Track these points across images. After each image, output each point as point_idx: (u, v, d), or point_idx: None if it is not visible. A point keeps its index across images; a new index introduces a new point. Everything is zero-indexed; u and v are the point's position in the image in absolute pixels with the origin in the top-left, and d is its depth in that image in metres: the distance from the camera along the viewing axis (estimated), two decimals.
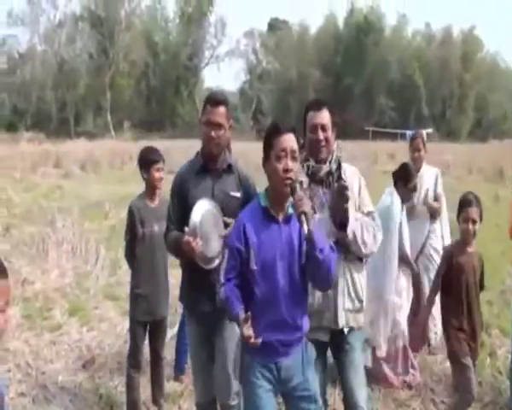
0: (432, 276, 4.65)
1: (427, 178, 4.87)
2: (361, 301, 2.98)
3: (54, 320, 5.60)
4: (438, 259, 4.68)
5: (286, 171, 2.43)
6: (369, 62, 58.21)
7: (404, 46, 63.58)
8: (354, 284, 2.95)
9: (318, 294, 2.86)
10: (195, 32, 55.55)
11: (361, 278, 3.00)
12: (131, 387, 3.80)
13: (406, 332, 4.30)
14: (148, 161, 3.72)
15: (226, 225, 2.97)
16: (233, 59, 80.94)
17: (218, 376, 3.10)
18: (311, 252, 2.38)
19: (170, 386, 4.24)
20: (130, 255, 3.77)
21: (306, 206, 2.36)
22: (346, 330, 2.94)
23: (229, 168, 3.10)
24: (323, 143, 2.95)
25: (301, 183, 2.71)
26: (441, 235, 4.98)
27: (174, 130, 50.23)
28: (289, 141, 2.48)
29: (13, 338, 5.08)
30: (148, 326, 3.83)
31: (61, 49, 52.06)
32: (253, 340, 2.32)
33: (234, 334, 3.06)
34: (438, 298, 4.68)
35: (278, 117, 57.52)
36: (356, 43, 59.32)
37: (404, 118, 54.24)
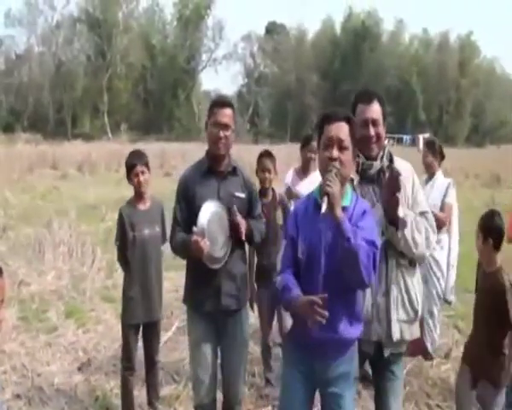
0: (431, 288, 4.63)
1: (438, 185, 4.76)
2: (416, 312, 2.73)
3: (50, 322, 5.58)
4: (438, 271, 4.65)
5: (330, 159, 2.35)
6: (366, 67, 58.45)
7: (402, 51, 63.91)
8: (408, 291, 2.71)
9: (367, 303, 2.64)
10: (193, 35, 55.69)
11: (415, 286, 2.75)
12: (126, 389, 3.78)
13: None
14: (127, 165, 3.70)
15: (232, 226, 3.05)
16: (230, 62, 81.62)
17: (226, 375, 3.18)
18: (338, 238, 2.26)
19: (166, 389, 4.23)
20: (123, 260, 3.74)
21: (333, 188, 2.25)
22: (386, 352, 2.71)
23: (234, 171, 3.17)
24: (375, 140, 2.71)
25: (352, 180, 2.62)
26: (448, 247, 4.84)
27: (171, 132, 50.30)
28: (338, 130, 2.39)
29: (9, 340, 5.07)
30: (140, 329, 3.79)
31: (59, 50, 52.14)
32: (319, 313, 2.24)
33: (240, 333, 3.17)
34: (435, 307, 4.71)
35: (275, 120, 57.79)
36: (353, 48, 59.60)
37: (402, 123, 54.41)
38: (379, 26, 62.22)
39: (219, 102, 3.12)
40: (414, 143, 41.55)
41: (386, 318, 2.68)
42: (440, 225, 4.63)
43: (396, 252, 2.68)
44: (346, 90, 57.26)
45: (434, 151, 4.79)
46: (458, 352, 5.06)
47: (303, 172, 4.82)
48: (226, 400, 3.26)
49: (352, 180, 2.66)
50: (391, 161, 2.77)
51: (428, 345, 4.68)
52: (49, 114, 48.56)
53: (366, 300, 2.64)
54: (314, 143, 4.44)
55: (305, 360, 2.50)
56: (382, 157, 2.75)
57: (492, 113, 66.78)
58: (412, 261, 2.75)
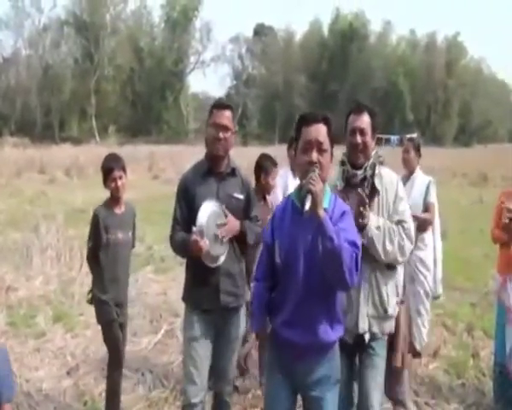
0: (417, 287, 4.65)
1: (418, 184, 4.76)
2: (385, 311, 2.89)
3: (38, 327, 5.54)
4: (424, 270, 4.66)
5: (310, 163, 2.35)
6: (353, 68, 58.72)
7: (389, 52, 64.28)
8: (379, 291, 2.88)
9: (343, 295, 2.77)
10: (181, 37, 55.60)
11: (388, 287, 2.91)
12: (116, 392, 3.71)
13: None
14: (104, 169, 3.63)
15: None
16: (219, 64, 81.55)
17: (221, 364, 3.27)
18: (321, 239, 2.24)
19: (154, 393, 4.22)
20: (93, 261, 3.69)
21: (316, 187, 2.25)
22: (366, 336, 2.89)
23: (233, 172, 3.23)
24: (361, 147, 2.90)
25: (336, 186, 2.84)
26: (433, 246, 4.86)
27: (159, 135, 50.17)
28: (316, 132, 2.38)
29: None
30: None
31: (46, 53, 51.83)
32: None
33: (236, 330, 3.26)
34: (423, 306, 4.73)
35: (264, 122, 57.86)
36: (341, 49, 59.87)
37: (389, 123, 54.69)
38: (366, 27, 62.55)
39: (218, 104, 3.18)
40: (402, 143, 41.77)
41: (356, 311, 2.86)
42: (426, 225, 4.65)
43: (370, 253, 2.83)
44: (334, 91, 57.65)
45: (416, 147, 4.81)
46: (446, 350, 5.12)
47: (293, 171, 4.83)
48: (217, 393, 3.37)
49: (335, 186, 2.88)
50: (373, 172, 2.93)
51: (416, 344, 4.70)
52: (37, 118, 48.22)
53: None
54: None
55: (287, 364, 2.50)
56: (366, 167, 2.92)
57: (479, 112, 67.39)
58: (390, 265, 2.92)
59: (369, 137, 2.92)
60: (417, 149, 4.81)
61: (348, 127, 2.94)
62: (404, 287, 4.58)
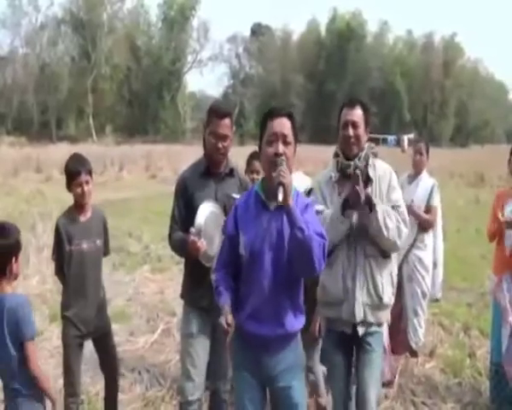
0: (415, 287, 4.66)
1: (422, 185, 4.77)
2: (380, 299, 2.94)
3: None
4: (422, 270, 4.67)
5: (276, 155, 2.38)
6: (350, 68, 58.77)
7: (386, 53, 64.34)
8: (374, 279, 2.93)
9: (338, 285, 2.91)
10: (178, 36, 55.53)
11: (383, 276, 2.96)
12: None
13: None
14: (68, 173, 3.34)
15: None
16: (216, 63, 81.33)
17: (218, 362, 3.30)
18: (290, 229, 2.29)
19: (151, 392, 4.22)
20: (60, 274, 3.44)
21: (287, 179, 2.28)
22: (361, 329, 2.94)
23: (231, 172, 3.26)
24: (353, 140, 2.97)
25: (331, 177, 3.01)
26: (433, 246, 4.87)
27: (156, 134, 50.11)
28: (281, 125, 2.42)
29: None
30: (83, 347, 3.49)
31: (43, 52, 51.69)
32: (225, 331, 2.34)
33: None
34: (421, 306, 4.74)
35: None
36: (338, 49, 59.90)
37: (386, 123, 54.77)
38: (363, 27, 62.59)
39: (218, 113, 3.13)
40: (398, 143, 41.72)
41: (352, 300, 2.93)
42: (427, 226, 4.67)
43: (363, 241, 2.92)
44: (331, 91, 57.66)
45: (426, 149, 4.84)
46: (443, 349, 5.13)
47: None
48: (214, 390, 3.39)
49: (330, 177, 3.04)
50: (367, 162, 3.00)
51: (413, 344, 4.71)
52: (34, 117, 48.10)
53: (338, 282, 2.93)
54: None
55: (252, 358, 2.51)
56: (360, 158, 2.98)
57: (476, 113, 67.55)
58: (384, 253, 2.96)
59: (361, 130, 2.98)
60: (427, 151, 4.84)
61: (341, 120, 3.02)
62: (401, 287, 4.63)
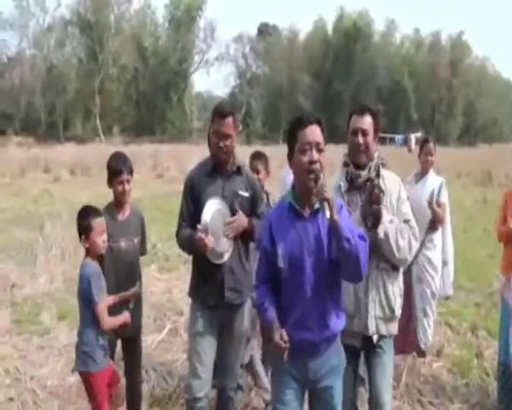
0: (425, 287, 4.65)
1: (429, 184, 4.76)
2: (392, 311, 2.94)
3: (43, 325, 5.56)
4: (431, 270, 4.66)
5: (311, 163, 2.39)
6: (357, 67, 58.59)
7: (393, 52, 64.09)
8: (386, 292, 2.92)
9: (350, 299, 2.86)
10: (185, 36, 55.58)
11: (395, 288, 2.96)
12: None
13: None
14: (111, 171, 3.40)
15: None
16: (222, 63, 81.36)
17: (226, 360, 3.32)
18: (337, 241, 2.32)
19: (158, 391, 4.23)
20: None
21: (329, 193, 2.32)
22: (375, 337, 2.93)
23: (238, 170, 3.28)
24: (363, 148, 2.94)
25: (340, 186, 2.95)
26: (442, 245, 4.85)
27: (163, 134, 50.19)
28: (314, 134, 2.44)
29: (1, 343, 5.06)
30: (115, 348, 3.49)
31: (51, 53, 51.87)
32: (283, 349, 2.36)
33: (240, 327, 3.32)
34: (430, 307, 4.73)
35: (268, 121, 57.82)
36: (345, 48, 59.73)
37: (394, 122, 54.57)
38: (370, 26, 62.38)
39: (219, 112, 3.16)
40: (406, 142, 41.56)
41: (365, 313, 2.90)
42: (438, 221, 4.64)
43: (377, 255, 2.86)
44: (338, 90, 57.54)
45: (435, 149, 4.85)
46: (450, 349, 5.11)
47: None
48: (221, 388, 3.41)
49: (339, 186, 2.97)
50: (378, 173, 2.96)
51: (422, 344, 4.70)
52: (41, 117, 48.30)
53: (350, 295, 2.87)
54: None
55: (299, 364, 2.52)
56: (370, 168, 2.95)
57: (484, 112, 67.15)
58: (395, 266, 2.96)
59: (370, 138, 2.96)
60: (435, 151, 4.84)
61: (350, 128, 2.99)
62: (410, 287, 4.62)
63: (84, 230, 3.06)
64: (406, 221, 2.94)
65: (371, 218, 2.83)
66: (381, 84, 59.07)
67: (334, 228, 2.31)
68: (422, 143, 4.98)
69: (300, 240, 2.43)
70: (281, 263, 2.46)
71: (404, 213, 2.95)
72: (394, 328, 3.01)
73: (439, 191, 4.69)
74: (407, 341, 4.62)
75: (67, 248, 7.97)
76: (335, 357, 2.57)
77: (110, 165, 3.41)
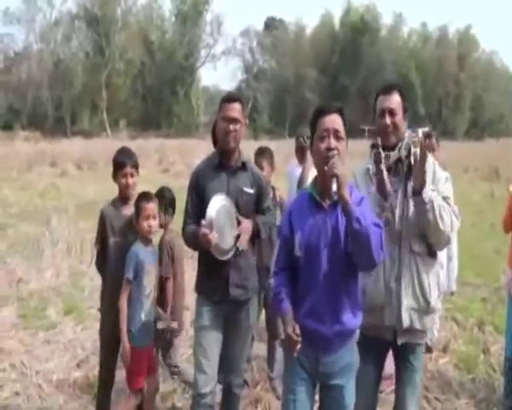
0: None
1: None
2: (428, 302, 2.72)
3: (49, 319, 5.58)
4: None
5: (328, 149, 2.37)
6: (365, 62, 58.30)
7: (400, 46, 63.71)
8: (421, 280, 2.70)
9: (380, 290, 2.69)
10: (191, 30, 55.48)
11: (430, 277, 2.73)
12: None
13: None
14: (115, 164, 3.42)
15: (239, 222, 3.14)
16: (229, 58, 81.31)
17: (228, 361, 3.31)
18: (348, 222, 2.27)
19: (163, 385, 4.21)
20: (101, 266, 3.48)
21: (340, 170, 2.27)
22: (400, 340, 2.74)
23: (244, 166, 3.25)
24: (391, 129, 2.77)
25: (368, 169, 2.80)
26: None
27: (170, 129, 50.20)
28: (332, 121, 2.42)
29: (7, 338, 5.08)
30: (119, 344, 3.45)
31: (57, 47, 51.96)
32: (294, 343, 2.36)
33: (246, 322, 3.30)
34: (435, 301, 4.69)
35: (274, 116, 57.71)
36: (352, 42, 59.44)
37: None
38: (377, 20, 62.04)
39: (227, 98, 3.19)
40: None
41: (397, 304, 2.70)
42: None
43: (411, 235, 2.69)
44: (345, 85, 57.32)
45: (438, 144, 4.80)
46: (457, 345, 5.09)
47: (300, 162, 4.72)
48: (226, 384, 3.39)
49: (367, 169, 2.82)
50: (409, 153, 2.76)
51: (428, 340, 4.67)
52: (48, 112, 48.44)
53: (379, 284, 2.69)
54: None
55: (310, 355, 2.50)
56: (400, 148, 2.77)
57: (491, 106, 66.67)
58: (431, 251, 2.73)
59: (399, 118, 2.78)
60: (438, 146, 4.81)
61: (377, 108, 2.83)
62: None
63: (136, 211, 3.27)
64: (445, 198, 2.73)
65: (415, 180, 2.62)
66: (387, 79, 58.66)
67: (344, 207, 2.27)
68: (424, 139, 4.92)
69: (318, 230, 2.41)
70: (297, 251, 2.46)
71: (441, 192, 2.74)
72: (429, 321, 2.80)
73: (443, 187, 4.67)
74: None
75: (74, 242, 8.01)
76: (349, 356, 2.51)
77: (115, 158, 3.46)
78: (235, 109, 3.13)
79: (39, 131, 40.60)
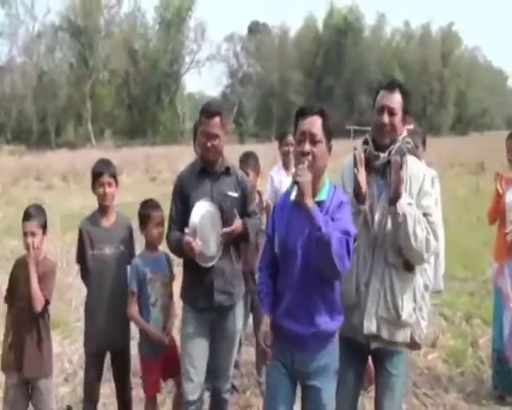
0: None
1: None
2: (399, 315, 2.64)
3: None
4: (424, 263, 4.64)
5: (302, 154, 2.38)
6: (349, 62, 58.61)
7: (384, 46, 64.15)
8: (393, 292, 2.63)
9: (352, 288, 2.64)
10: (175, 37, 55.38)
11: (404, 290, 2.65)
12: None
13: None
14: (93, 174, 3.39)
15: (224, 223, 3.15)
16: (214, 63, 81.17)
17: (215, 367, 3.29)
18: (310, 227, 2.29)
19: None
20: (86, 279, 3.47)
21: (303, 177, 2.27)
22: (373, 344, 2.69)
23: (228, 171, 3.25)
24: (388, 128, 2.64)
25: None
26: None
27: (156, 137, 50.02)
28: (309, 124, 2.41)
29: None
30: (104, 358, 3.50)
31: (41, 60, 51.58)
32: (264, 352, 2.49)
33: (232, 328, 3.29)
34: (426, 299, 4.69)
35: (260, 119, 57.78)
36: (336, 44, 59.74)
37: None
38: (360, 21, 62.37)
39: (206, 112, 3.14)
40: None
41: (364, 308, 2.67)
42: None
43: (387, 246, 2.63)
44: (330, 86, 57.54)
45: (424, 142, 4.75)
46: (445, 340, 5.10)
47: (285, 167, 4.74)
48: (215, 390, 3.39)
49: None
50: (401, 158, 2.61)
51: (416, 337, 4.68)
52: (33, 125, 48.07)
53: (350, 285, 2.66)
54: (289, 138, 4.44)
55: (286, 352, 2.53)
56: (391, 151, 2.65)
57: (475, 101, 67.33)
58: (408, 265, 2.66)
59: (398, 119, 2.67)
60: (423, 143, 4.78)
61: (376, 105, 2.70)
62: None
63: (142, 220, 3.32)
64: (425, 215, 2.62)
65: (390, 189, 2.56)
66: (372, 79, 58.97)
67: (306, 213, 2.30)
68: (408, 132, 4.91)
69: (295, 230, 2.44)
70: (277, 249, 2.52)
71: (424, 207, 2.63)
72: (402, 336, 2.72)
73: (432, 185, 4.67)
74: None
75: (60, 256, 7.92)
76: (326, 358, 2.51)
77: (93, 168, 3.45)
78: (214, 125, 3.11)
79: (24, 144, 40.23)
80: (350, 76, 57.94)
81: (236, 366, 4.18)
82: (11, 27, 50.64)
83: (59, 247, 8.29)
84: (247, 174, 4.06)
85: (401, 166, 2.54)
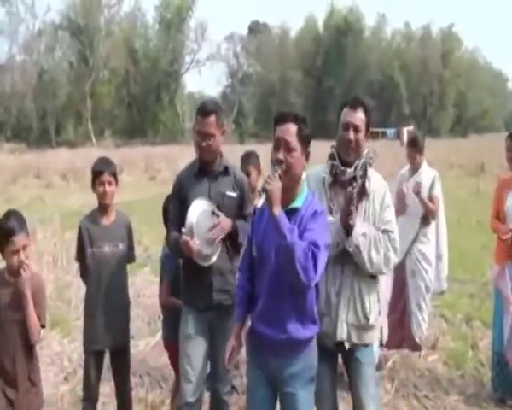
0: (418, 281, 4.62)
1: (424, 178, 4.72)
2: (367, 320, 2.78)
3: None
4: (425, 264, 4.64)
5: (277, 161, 2.40)
6: (349, 63, 58.59)
7: (384, 46, 64.15)
8: (362, 299, 2.77)
9: (322, 298, 2.71)
10: (175, 37, 55.36)
11: (371, 296, 2.81)
12: None
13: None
14: (93, 172, 3.38)
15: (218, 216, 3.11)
16: (214, 63, 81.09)
17: (216, 367, 3.25)
18: (276, 235, 2.31)
19: (151, 395, 4.19)
20: (85, 277, 3.45)
21: (271, 185, 2.29)
22: (346, 344, 2.79)
23: (226, 170, 3.23)
24: (353, 145, 2.75)
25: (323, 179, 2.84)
26: (435, 241, 4.83)
27: (156, 136, 50.01)
28: (283, 131, 2.42)
29: None
30: (103, 356, 3.48)
31: (41, 58, 51.56)
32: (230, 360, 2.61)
33: (231, 327, 3.17)
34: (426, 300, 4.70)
35: (260, 119, 57.77)
36: (336, 44, 59.71)
37: (386, 117, 54.56)
38: (361, 21, 62.36)
39: (201, 111, 3.12)
40: (399, 136, 41.59)
41: (335, 317, 2.77)
42: (431, 215, 4.62)
43: (354, 262, 2.74)
44: (330, 87, 57.51)
45: (419, 148, 4.73)
46: (445, 342, 5.10)
47: None
48: (214, 391, 3.35)
49: (323, 178, 2.83)
50: (365, 172, 2.78)
51: (416, 338, 4.68)
52: (33, 123, 48.03)
53: (322, 294, 2.69)
54: None
55: (261, 358, 2.55)
56: (357, 166, 2.76)
57: (475, 103, 67.28)
58: (373, 274, 2.81)
59: (362, 135, 2.78)
60: (423, 146, 4.75)
61: (341, 120, 2.81)
62: (404, 281, 4.60)
63: (165, 216, 3.42)
64: (385, 231, 2.76)
65: (340, 219, 2.70)
66: (372, 79, 59.08)
67: (272, 220, 2.32)
68: (408, 143, 4.89)
69: (271, 236, 2.41)
70: (254, 252, 2.55)
71: (385, 222, 2.78)
72: (370, 337, 2.85)
73: (432, 185, 4.68)
74: (402, 335, 4.61)
75: (59, 254, 7.92)
76: (301, 365, 2.49)
77: (93, 167, 3.43)
78: (209, 124, 3.09)
79: (24, 142, 40.25)
80: (350, 76, 57.94)
81: (236, 366, 4.17)
82: (11, 25, 50.65)
83: (58, 245, 8.26)
84: (250, 173, 4.07)
85: (352, 201, 2.67)
